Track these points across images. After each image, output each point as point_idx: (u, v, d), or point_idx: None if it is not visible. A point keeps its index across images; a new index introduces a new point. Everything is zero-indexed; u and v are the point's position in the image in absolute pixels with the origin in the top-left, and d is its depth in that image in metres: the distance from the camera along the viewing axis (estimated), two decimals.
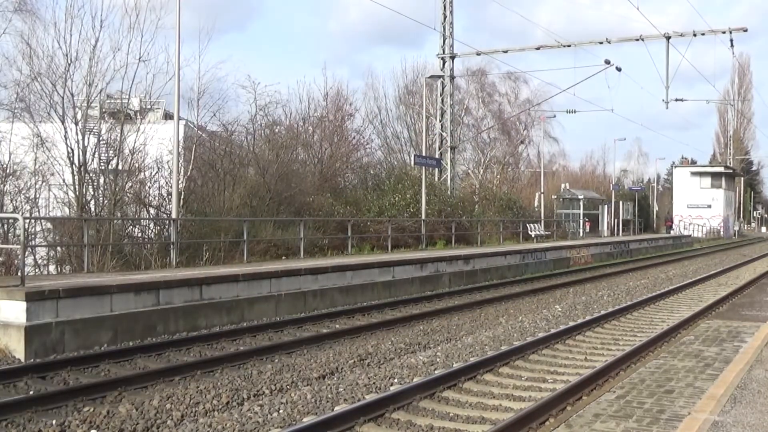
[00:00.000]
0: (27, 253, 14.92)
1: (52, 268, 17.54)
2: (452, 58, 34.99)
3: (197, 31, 44.85)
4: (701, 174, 67.30)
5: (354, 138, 33.41)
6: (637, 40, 33.98)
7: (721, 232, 64.76)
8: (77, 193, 19.03)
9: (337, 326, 13.63)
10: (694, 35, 33.95)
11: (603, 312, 15.14)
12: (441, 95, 35.44)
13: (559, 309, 16.13)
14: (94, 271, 15.18)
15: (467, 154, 48.20)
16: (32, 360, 10.25)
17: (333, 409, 7.78)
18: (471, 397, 8.55)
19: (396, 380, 9.25)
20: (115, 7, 30.04)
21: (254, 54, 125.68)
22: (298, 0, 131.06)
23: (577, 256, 30.70)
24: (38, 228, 18.45)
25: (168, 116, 25.87)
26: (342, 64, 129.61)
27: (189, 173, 21.42)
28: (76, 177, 19.05)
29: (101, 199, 19.71)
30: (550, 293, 19.54)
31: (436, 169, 32.81)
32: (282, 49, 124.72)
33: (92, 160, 19.59)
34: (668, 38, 33.78)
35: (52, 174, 19.68)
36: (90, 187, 19.57)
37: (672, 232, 57.38)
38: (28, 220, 16.80)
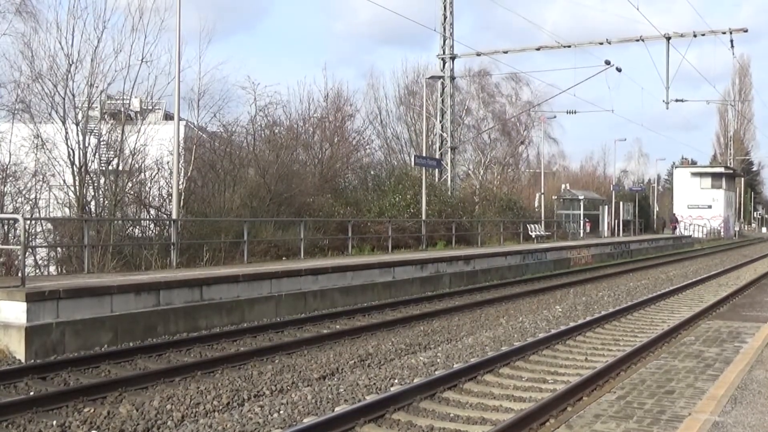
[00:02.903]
0: (27, 253, 14.91)
1: (52, 268, 17.54)
2: (452, 58, 35.02)
3: (202, 31, 44.93)
4: (701, 174, 67.27)
5: (354, 138, 33.43)
6: (638, 40, 34.00)
7: (722, 233, 64.71)
8: (78, 193, 19.03)
9: (338, 327, 13.63)
10: (695, 36, 33.97)
11: (603, 312, 15.13)
12: (441, 96, 35.46)
13: (560, 309, 16.13)
14: (94, 271, 15.18)
15: (467, 155, 48.24)
16: (32, 360, 10.24)
17: (333, 410, 7.78)
18: (471, 398, 8.55)
19: (396, 381, 9.25)
20: (118, 9, 30.13)
21: (261, 55, 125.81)
22: (306, 1, 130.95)
23: (578, 257, 30.70)
24: (39, 229, 18.45)
25: (168, 117, 25.87)
26: (348, 65, 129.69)
27: (189, 174, 21.43)
28: (77, 178, 19.06)
29: (102, 199, 19.72)
30: (550, 294, 19.54)
31: (437, 170, 32.80)
32: (289, 50, 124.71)
33: (93, 160, 19.60)
34: (668, 39, 33.79)
35: (53, 175, 19.69)
36: (90, 187, 19.58)
37: (674, 232, 57.29)
38: (28, 221, 16.81)
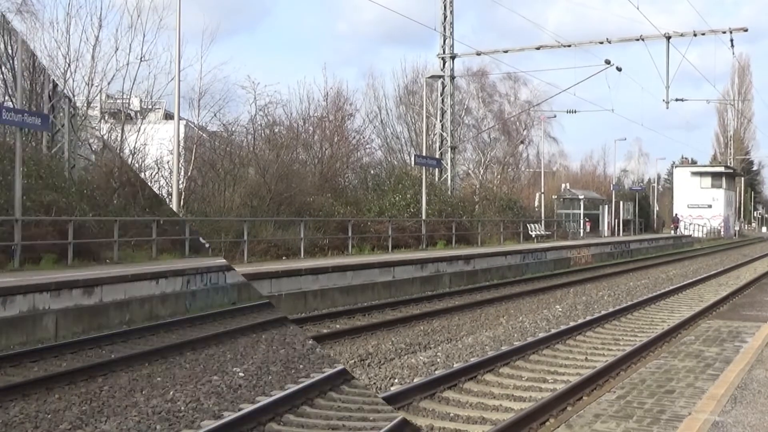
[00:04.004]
0: None
1: None
2: (452, 58, 35.03)
3: (205, 31, 44.97)
4: (702, 174, 67.26)
5: (354, 138, 33.47)
6: (638, 40, 34.00)
7: (722, 232, 64.68)
8: None
9: (338, 326, 13.62)
10: (695, 35, 33.96)
11: (603, 312, 15.13)
12: (441, 95, 35.46)
13: (560, 309, 16.12)
14: None
15: (467, 154, 48.19)
16: None
17: None
18: (471, 398, 8.54)
19: (396, 380, 9.24)
20: (115, 7, 30.12)
21: (262, 55, 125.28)
22: (309, 2, 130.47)
23: (578, 256, 30.69)
24: None
25: (168, 116, 25.88)
26: (350, 64, 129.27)
27: (189, 173, 21.45)
28: None
29: None
30: (550, 293, 19.52)
31: (437, 169, 32.80)
32: (291, 51, 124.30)
33: None
34: (668, 38, 33.78)
35: None
36: None
37: (677, 232, 57.27)
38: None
